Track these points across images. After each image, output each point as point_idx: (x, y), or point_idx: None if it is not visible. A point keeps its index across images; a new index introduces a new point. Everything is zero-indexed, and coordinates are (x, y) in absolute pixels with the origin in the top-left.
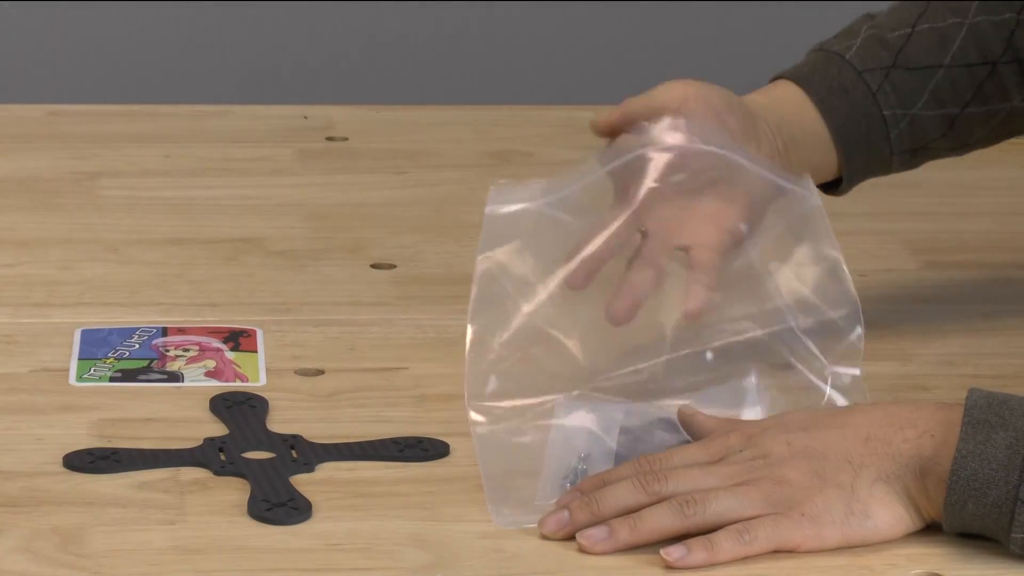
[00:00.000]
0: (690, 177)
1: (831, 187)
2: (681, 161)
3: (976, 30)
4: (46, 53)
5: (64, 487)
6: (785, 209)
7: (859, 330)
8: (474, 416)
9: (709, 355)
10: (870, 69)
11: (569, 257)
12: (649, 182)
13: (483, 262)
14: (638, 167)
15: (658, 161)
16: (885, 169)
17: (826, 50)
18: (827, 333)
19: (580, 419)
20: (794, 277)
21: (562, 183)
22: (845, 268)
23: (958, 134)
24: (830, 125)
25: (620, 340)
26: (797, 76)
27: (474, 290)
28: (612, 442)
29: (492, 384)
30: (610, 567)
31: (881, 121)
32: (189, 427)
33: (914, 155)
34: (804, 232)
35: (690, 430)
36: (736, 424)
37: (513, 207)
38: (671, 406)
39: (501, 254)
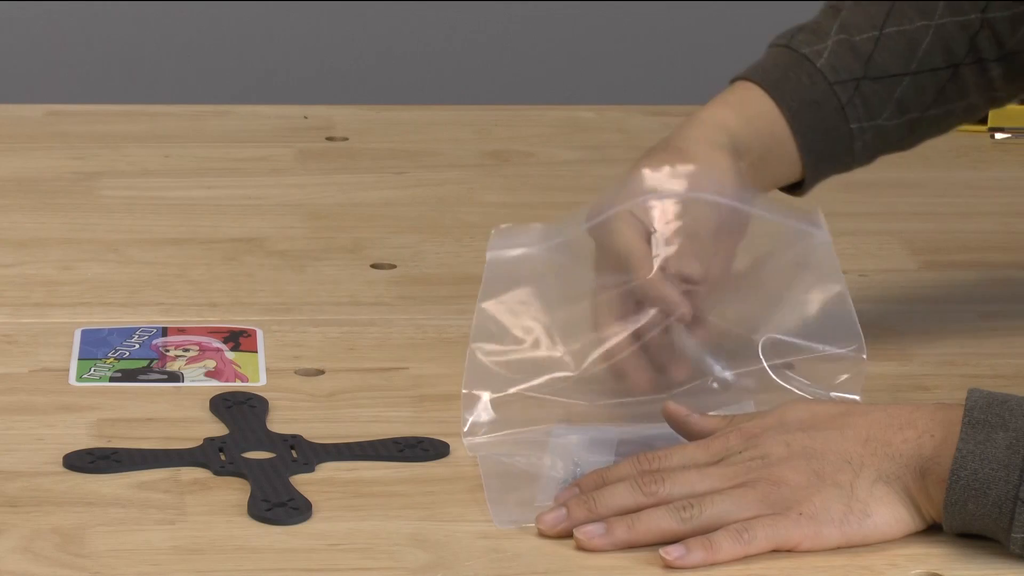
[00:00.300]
0: (691, 222)
1: (789, 188)
2: (683, 209)
3: (942, 32)
4: (46, 53)
5: (64, 487)
6: (791, 242)
7: (863, 358)
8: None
9: (715, 384)
10: (841, 81)
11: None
12: (653, 229)
13: (484, 309)
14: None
15: (661, 208)
16: (845, 171)
17: (794, 50)
18: (830, 361)
19: (578, 434)
20: (799, 309)
21: (562, 228)
22: (850, 303)
23: (916, 135)
24: (799, 141)
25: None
26: (767, 82)
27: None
28: (610, 452)
29: (486, 416)
30: (610, 567)
31: (848, 135)
32: (189, 427)
33: (872, 157)
34: (810, 264)
35: (685, 431)
36: (736, 423)
37: (515, 251)
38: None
39: (502, 302)
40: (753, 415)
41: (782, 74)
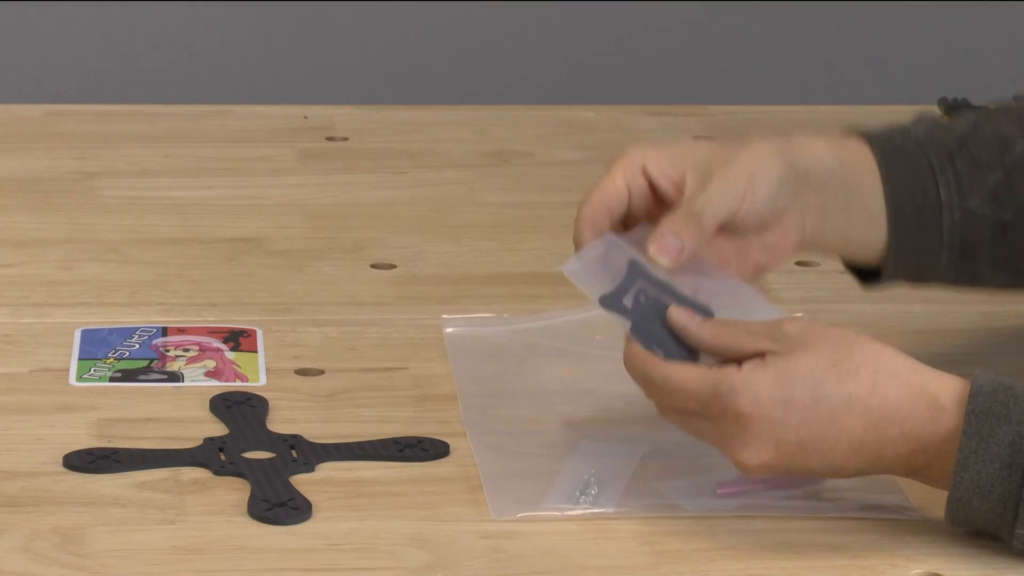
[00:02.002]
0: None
1: (868, 278)
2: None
3: None
4: (46, 53)
5: (64, 487)
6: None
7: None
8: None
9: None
10: (935, 147)
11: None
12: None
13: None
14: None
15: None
16: (932, 260)
17: (889, 127)
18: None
19: (602, 445)
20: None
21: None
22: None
23: (1007, 247)
24: (887, 185)
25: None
26: (860, 130)
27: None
28: (630, 468)
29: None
30: (609, 567)
31: (937, 203)
32: (189, 427)
33: (963, 258)
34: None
35: (691, 341)
36: (727, 395)
37: (476, 329)
38: None
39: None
40: (763, 357)
41: (875, 129)
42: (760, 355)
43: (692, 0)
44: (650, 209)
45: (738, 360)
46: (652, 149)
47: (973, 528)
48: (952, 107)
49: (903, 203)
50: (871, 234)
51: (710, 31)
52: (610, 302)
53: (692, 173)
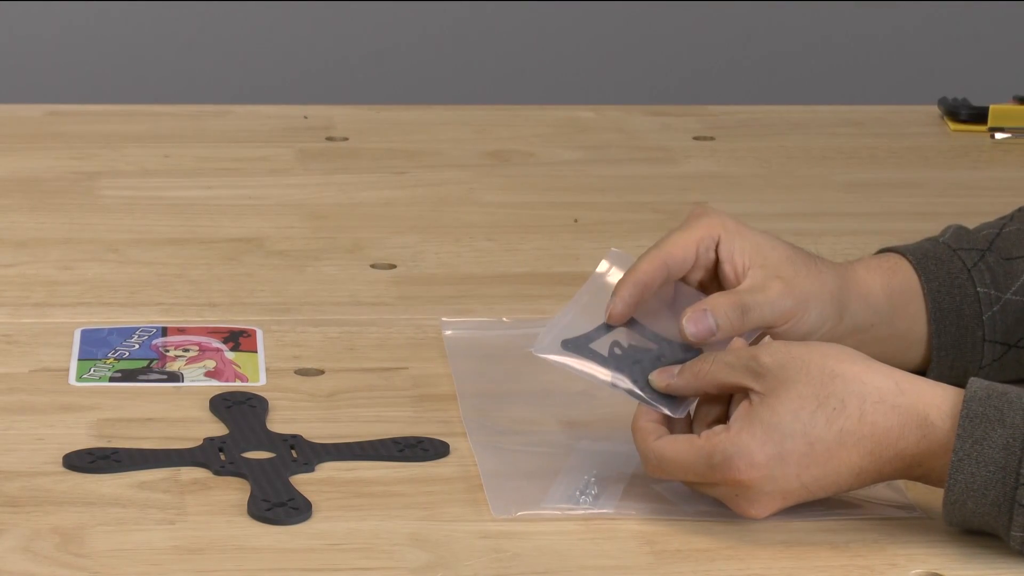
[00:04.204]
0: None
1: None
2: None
3: None
4: (46, 53)
5: (64, 487)
6: None
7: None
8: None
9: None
10: (965, 249)
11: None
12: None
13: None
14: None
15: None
16: (976, 356)
17: (919, 241)
18: None
19: (602, 446)
20: None
21: (521, 324)
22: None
23: None
24: (925, 291)
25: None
26: (897, 248)
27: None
28: (629, 467)
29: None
30: (609, 567)
31: (975, 298)
32: (189, 427)
33: (1007, 352)
34: None
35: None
36: (723, 465)
37: (472, 332)
38: None
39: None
40: (748, 400)
41: (906, 245)
42: (742, 390)
43: (692, 0)
44: (701, 280)
45: (721, 394)
46: (733, 226)
47: (970, 528)
48: (952, 107)
49: (943, 303)
50: (907, 356)
51: (710, 31)
52: (574, 346)
53: (758, 270)
